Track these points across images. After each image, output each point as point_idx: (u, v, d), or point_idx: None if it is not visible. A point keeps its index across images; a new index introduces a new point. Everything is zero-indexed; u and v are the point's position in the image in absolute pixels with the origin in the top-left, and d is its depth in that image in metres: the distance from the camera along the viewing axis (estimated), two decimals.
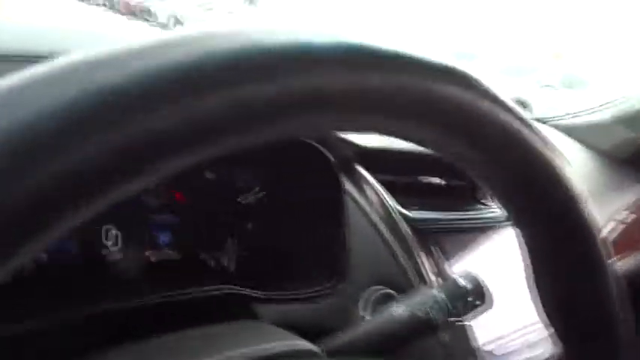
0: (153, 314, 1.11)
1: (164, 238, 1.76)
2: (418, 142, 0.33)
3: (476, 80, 0.31)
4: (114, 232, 1.67)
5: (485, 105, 0.31)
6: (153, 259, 1.72)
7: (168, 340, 0.73)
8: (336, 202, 1.48)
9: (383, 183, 1.60)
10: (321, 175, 1.60)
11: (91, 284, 1.34)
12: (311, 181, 1.65)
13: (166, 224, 1.76)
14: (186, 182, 1.77)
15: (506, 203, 0.38)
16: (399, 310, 0.79)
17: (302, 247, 1.75)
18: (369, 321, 1.08)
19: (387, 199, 1.60)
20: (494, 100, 0.31)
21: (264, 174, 1.91)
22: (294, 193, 1.81)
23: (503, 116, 0.31)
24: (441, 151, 0.34)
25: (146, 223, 1.70)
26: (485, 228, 1.37)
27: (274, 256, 1.90)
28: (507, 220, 0.79)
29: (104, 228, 1.66)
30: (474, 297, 0.72)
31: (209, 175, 1.76)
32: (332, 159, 1.53)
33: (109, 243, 1.68)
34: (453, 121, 0.30)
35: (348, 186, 1.54)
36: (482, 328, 1.02)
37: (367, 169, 1.59)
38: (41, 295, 0.92)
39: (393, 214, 1.52)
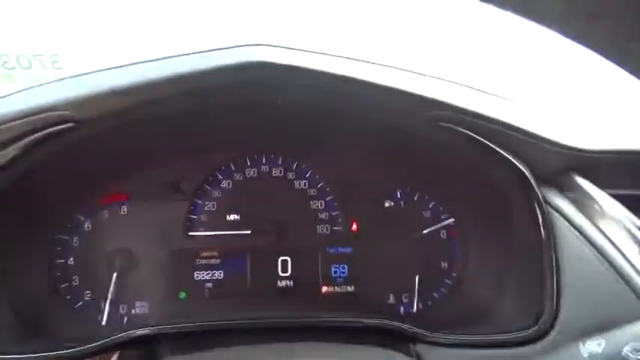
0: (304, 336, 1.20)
1: (339, 272, 1.68)
2: None
3: None
4: (289, 263, 1.67)
5: None
6: (325, 290, 1.65)
7: None
8: (539, 230, 1.22)
9: (617, 197, 1.24)
10: (517, 197, 1.34)
11: (259, 307, 1.54)
12: (507, 207, 1.40)
13: (341, 256, 1.70)
14: (365, 210, 1.71)
15: None
16: None
17: (499, 287, 1.49)
18: None
19: (625, 217, 1.21)
20: None
21: (456, 200, 1.71)
22: (489, 224, 1.58)
23: None
24: None
25: (320, 254, 1.67)
26: None
27: (465, 296, 1.67)
28: None
29: (280, 259, 1.67)
30: None
31: (388, 203, 1.68)
32: (530, 176, 1.28)
33: (283, 273, 1.66)
34: None
35: (561, 204, 1.25)
36: None
37: (593, 179, 1.27)
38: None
39: (634, 237, 1.17)
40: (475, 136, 1.20)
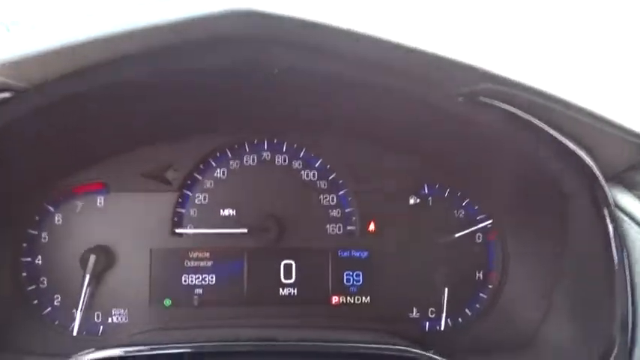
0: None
1: (352, 279, 1.53)
2: None
3: None
4: (293, 267, 1.46)
5: None
6: (335, 301, 1.37)
7: None
8: (606, 239, 1.03)
9: None
10: (578, 197, 1.11)
11: (257, 319, 1.43)
12: (562, 209, 1.17)
13: (355, 261, 1.48)
14: (384, 207, 1.48)
15: None
16: None
17: (548, 308, 1.28)
18: None
19: None
20: None
21: (495, 198, 1.48)
22: (536, 228, 1.35)
23: None
24: None
25: (330, 259, 1.53)
26: None
27: (503, 316, 1.46)
28: None
29: (283, 263, 1.50)
30: None
31: (413, 199, 1.46)
32: (598, 172, 1.05)
33: (286, 279, 1.53)
34: None
35: (635, 208, 1.03)
36: None
37: None
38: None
39: None
40: (529, 118, 0.96)
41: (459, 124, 1.10)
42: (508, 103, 0.96)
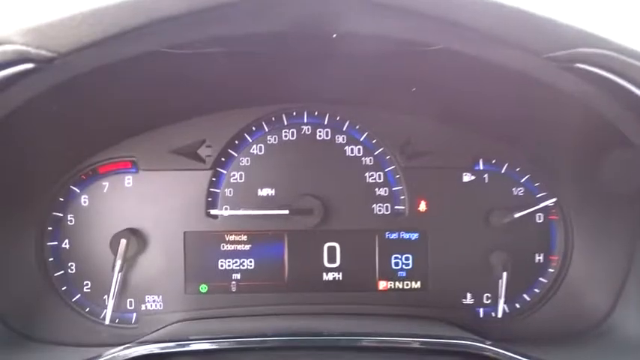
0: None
1: (401, 263, 1.48)
2: None
3: None
4: (337, 250, 1.35)
5: None
6: (383, 287, 1.47)
7: None
8: None
9: None
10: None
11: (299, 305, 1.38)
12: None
13: (405, 244, 1.38)
14: (436, 185, 1.43)
15: None
16: None
17: (620, 293, 1.21)
18: None
19: None
20: None
21: (559, 174, 1.39)
22: (606, 206, 1.26)
23: None
24: None
25: (377, 241, 1.45)
26: None
27: (567, 301, 1.39)
28: None
29: (326, 246, 1.47)
30: None
31: (468, 176, 1.37)
32: None
33: (329, 263, 1.47)
34: None
35: None
36: None
37: None
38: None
39: None
40: (628, 85, 0.86)
41: (537, 92, 1.00)
42: (605, 70, 0.85)
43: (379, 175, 1.41)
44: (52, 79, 0.90)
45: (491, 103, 1.22)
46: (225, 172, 1.41)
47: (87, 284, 1.38)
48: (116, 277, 1.33)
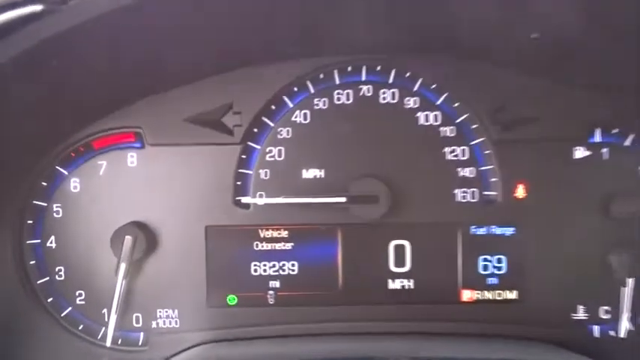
0: None
1: (492, 267, 1.21)
2: None
3: None
4: (406, 250, 1.22)
5: None
6: (468, 298, 1.22)
7: None
8: None
9: None
10: None
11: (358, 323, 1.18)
12: None
13: (496, 241, 1.21)
14: (539, 164, 1.19)
15: None
16: None
17: None
18: None
19: None
20: None
21: None
22: None
23: None
24: None
25: (460, 237, 1.21)
26: None
27: None
28: None
29: (393, 244, 1.24)
30: None
31: (580, 151, 1.12)
32: None
33: (397, 267, 1.21)
34: None
35: None
36: None
37: None
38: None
39: None
40: None
41: None
42: None
43: (463, 151, 1.16)
44: (59, 25, 0.80)
45: (609, 52, 0.98)
46: (258, 147, 1.17)
47: (80, 295, 1.17)
48: (120, 286, 1.12)
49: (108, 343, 1.12)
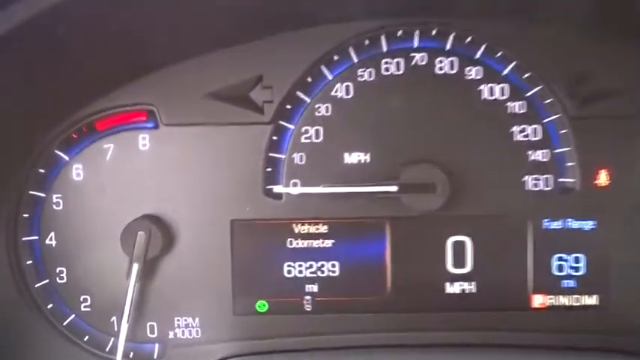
0: None
1: (568, 267, 1.08)
2: None
3: None
4: (467, 248, 1.10)
5: None
6: (539, 304, 1.09)
7: None
8: None
9: None
10: None
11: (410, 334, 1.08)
12: None
13: (574, 236, 1.07)
14: (627, 142, 1.06)
15: None
16: None
17: None
18: None
19: None
20: None
21: None
22: None
23: None
24: None
25: (531, 232, 1.09)
26: None
27: None
28: None
29: (451, 241, 1.10)
30: None
31: None
32: None
33: (456, 268, 1.09)
34: None
35: None
36: None
37: None
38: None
39: None
40: None
41: None
42: None
43: (535, 130, 1.03)
44: None
45: None
46: (292, 126, 1.05)
47: (85, 300, 1.06)
48: (132, 290, 1.01)
49: (119, 357, 1.01)
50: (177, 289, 1.06)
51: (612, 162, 1.03)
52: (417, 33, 1.02)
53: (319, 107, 1.05)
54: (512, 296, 1.06)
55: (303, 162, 1.05)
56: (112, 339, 1.05)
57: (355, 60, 1.04)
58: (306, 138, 1.05)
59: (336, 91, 1.05)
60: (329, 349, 1.04)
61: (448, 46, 1.03)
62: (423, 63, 1.04)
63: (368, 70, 1.05)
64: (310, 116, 1.05)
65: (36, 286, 1.06)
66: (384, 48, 1.04)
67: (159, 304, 1.06)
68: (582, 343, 1.05)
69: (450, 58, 1.03)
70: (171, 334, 1.06)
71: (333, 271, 1.05)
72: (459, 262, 1.05)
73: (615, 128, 1.02)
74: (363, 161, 1.05)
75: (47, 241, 1.06)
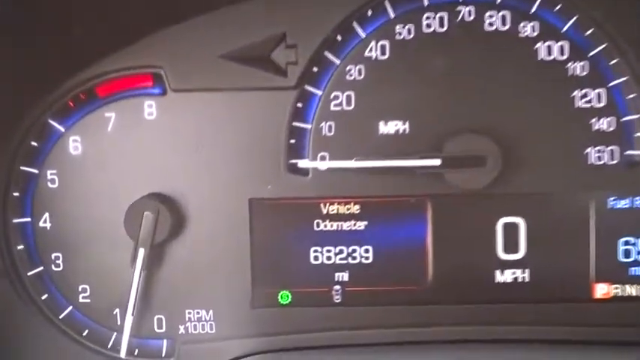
0: None
1: (635, 252, 1.01)
2: None
3: None
4: (520, 230, 1.02)
5: None
6: (602, 294, 1.02)
7: None
8: None
9: None
10: None
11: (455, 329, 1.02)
12: None
13: None
14: None
15: None
16: None
17: None
18: None
19: None
20: None
21: None
22: None
23: None
24: None
25: (593, 212, 1.02)
26: None
27: None
28: None
29: (502, 222, 1.04)
30: None
31: None
32: None
33: (507, 253, 1.03)
34: None
35: None
36: None
37: None
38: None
39: None
40: None
41: None
42: None
43: (599, 95, 0.94)
44: None
45: None
46: (320, 92, 0.96)
47: (84, 290, 0.98)
48: (137, 279, 0.94)
49: (122, 354, 0.96)
50: (189, 278, 1.00)
51: None
52: None
53: (350, 70, 0.97)
54: (571, 286, 0.99)
55: (332, 132, 0.97)
56: (115, 334, 1.00)
57: (392, 15, 0.96)
58: (335, 105, 0.97)
59: (370, 51, 0.96)
60: (360, 346, 0.97)
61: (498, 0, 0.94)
62: (471, 18, 0.96)
63: (407, 26, 0.96)
64: (340, 80, 0.97)
65: (29, 274, 1.01)
66: (425, 1, 0.95)
67: (167, 295, 1.00)
68: None
69: (501, 13, 0.95)
70: (181, 329, 1.00)
71: (366, 258, 0.99)
72: (511, 246, 0.98)
73: None
74: (400, 131, 0.97)
75: (41, 224, 1.00)
